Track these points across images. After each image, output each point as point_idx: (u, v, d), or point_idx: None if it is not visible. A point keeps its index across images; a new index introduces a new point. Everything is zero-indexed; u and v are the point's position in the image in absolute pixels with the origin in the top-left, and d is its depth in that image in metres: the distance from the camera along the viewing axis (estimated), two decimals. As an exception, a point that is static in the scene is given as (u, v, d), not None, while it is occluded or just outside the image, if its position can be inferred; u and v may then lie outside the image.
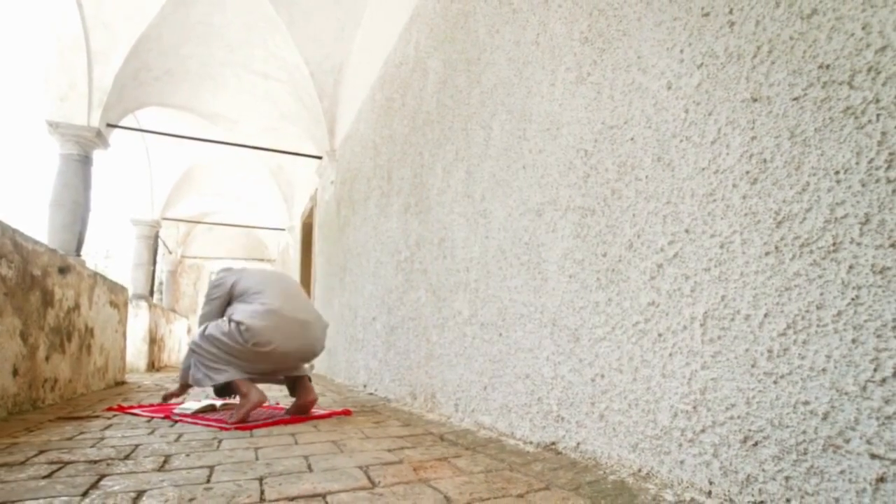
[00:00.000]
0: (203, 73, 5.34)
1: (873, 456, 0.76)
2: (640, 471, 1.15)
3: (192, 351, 2.36)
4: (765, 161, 0.95)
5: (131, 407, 2.75)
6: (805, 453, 0.84)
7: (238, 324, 2.23)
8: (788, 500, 0.85)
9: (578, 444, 1.37)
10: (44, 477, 1.27)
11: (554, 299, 1.52)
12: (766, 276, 0.93)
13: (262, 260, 12.92)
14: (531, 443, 1.57)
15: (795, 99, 0.91)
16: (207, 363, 2.29)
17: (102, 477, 1.27)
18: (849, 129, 0.83)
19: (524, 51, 1.79)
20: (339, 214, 4.89)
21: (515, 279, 1.74)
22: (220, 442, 1.75)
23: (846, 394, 0.80)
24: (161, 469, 1.36)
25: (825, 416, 0.82)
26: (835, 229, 0.83)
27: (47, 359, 3.06)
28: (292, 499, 1.07)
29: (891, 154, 0.77)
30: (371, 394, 3.40)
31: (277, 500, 1.07)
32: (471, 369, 2.02)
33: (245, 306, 2.31)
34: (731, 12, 1.04)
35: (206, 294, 2.52)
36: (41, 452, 1.57)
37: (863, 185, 0.80)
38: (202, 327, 2.39)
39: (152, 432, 1.96)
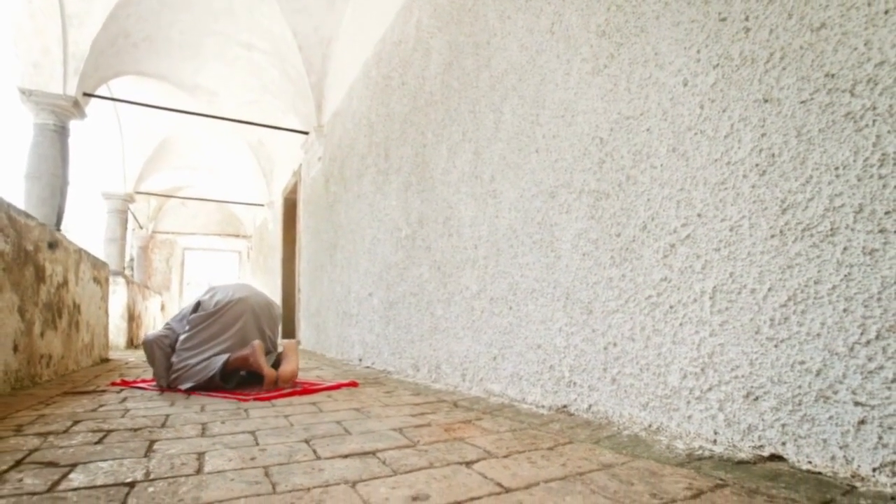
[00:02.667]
0: (184, 42, 5.16)
1: (857, 403, 0.92)
2: (650, 426, 1.31)
3: (175, 370, 2.43)
4: (773, 155, 1.09)
5: (134, 382, 2.78)
6: (800, 404, 1.00)
7: (194, 308, 2.56)
8: (784, 444, 1.02)
9: (590, 405, 1.53)
10: (95, 443, 1.34)
11: (567, 275, 1.65)
12: (770, 255, 1.08)
13: (236, 236, 12.70)
14: (543, 406, 1.72)
15: (803, 102, 1.04)
16: (195, 366, 2.37)
17: (153, 442, 1.35)
18: (848, 132, 0.96)
19: (538, 39, 1.87)
20: (329, 191, 4.89)
21: (527, 256, 1.86)
22: (246, 411, 1.84)
23: (836, 354, 0.96)
24: (203, 435, 1.44)
25: (818, 373, 0.98)
26: (832, 216, 0.98)
27: (42, 335, 3.05)
28: (345, 456, 1.18)
29: (883, 154, 0.92)
30: (368, 367, 3.52)
31: (332, 457, 1.17)
32: (479, 341, 2.15)
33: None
34: (746, 19, 1.15)
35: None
36: (76, 423, 1.62)
37: (858, 180, 0.95)
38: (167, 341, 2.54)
39: (172, 404, 2.03)
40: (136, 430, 1.51)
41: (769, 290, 1.07)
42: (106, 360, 4.75)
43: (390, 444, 1.29)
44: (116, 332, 6.61)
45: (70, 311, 3.70)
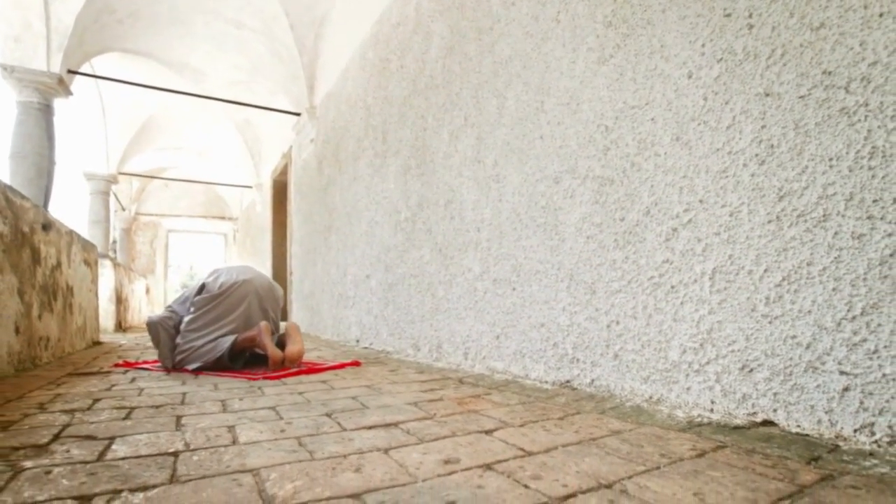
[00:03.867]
0: (171, 19, 5.03)
1: (842, 373, 1.02)
2: (651, 398, 1.42)
3: (180, 352, 2.47)
4: (772, 146, 1.17)
5: (137, 363, 2.81)
6: (790, 374, 1.10)
7: (200, 290, 2.58)
8: (775, 410, 1.13)
9: (593, 380, 1.63)
10: (123, 419, 1.39)
11: (571, 257, 1.73)
12: (767, 239, 1.16)
13: (222, 218, 12.53)
14: (547, 382, 1.82)
15: (801, 97, 1.12)
16: (201, 348, 2.41)
17: (179, 417, 1.41)
18: (842, 126, 1.05)
19: (543, 27, 1.91)
20: (322, 173, 4.88)
21: (531, 239, 1.94)
22: (260, 389, 1.90)
23: (825, 328, 1.05)
24: (226, 411, 1.50)
25: (808, 346, 1.08)
26: (825, 204, 1.07)
27: (40, 317, 3.04)
28: (370, 427, 1.26)
29: (873, 147, 1.00)
30: (366, 348, 3.59)
31: (357, 429, 1.25)
32: (482, 321, 2.23)
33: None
34: (750, 16, 1.22)
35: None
36: (96, 401, 1.66)
37: (850, 171, 1.04)
38: (175, 323, 2.59)
39: (184, 383, 2.08)
40: (157, 407, 1.57)
41: (765, 271, 1.16)
42: (98, 343, 4.73)
43: (409, 416, 1.37)
44: (105, 315, 6.54)
45: (64, 294, 3.69)
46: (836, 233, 1.05)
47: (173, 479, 0.88)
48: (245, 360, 2.59)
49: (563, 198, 1.78)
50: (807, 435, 1.06)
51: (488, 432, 1.17)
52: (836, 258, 1.05)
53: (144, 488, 0.83)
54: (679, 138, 1.38)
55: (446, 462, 0.95)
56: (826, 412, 1.04)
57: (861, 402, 1.00)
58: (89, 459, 1.00)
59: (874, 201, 1.00)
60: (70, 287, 3.87)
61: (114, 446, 1.10)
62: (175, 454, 1.03)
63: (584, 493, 0.78)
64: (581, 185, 1.71)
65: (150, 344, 4.61)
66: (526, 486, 0.81)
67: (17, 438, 1.16)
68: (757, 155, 1.20)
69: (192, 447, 1.08)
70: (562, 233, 1.79)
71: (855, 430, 1.00)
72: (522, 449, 1.02)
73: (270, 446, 1.09)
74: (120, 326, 6.97)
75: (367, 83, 3.74)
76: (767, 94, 1.18)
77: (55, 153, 4.52)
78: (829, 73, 1.07)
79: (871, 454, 0.93)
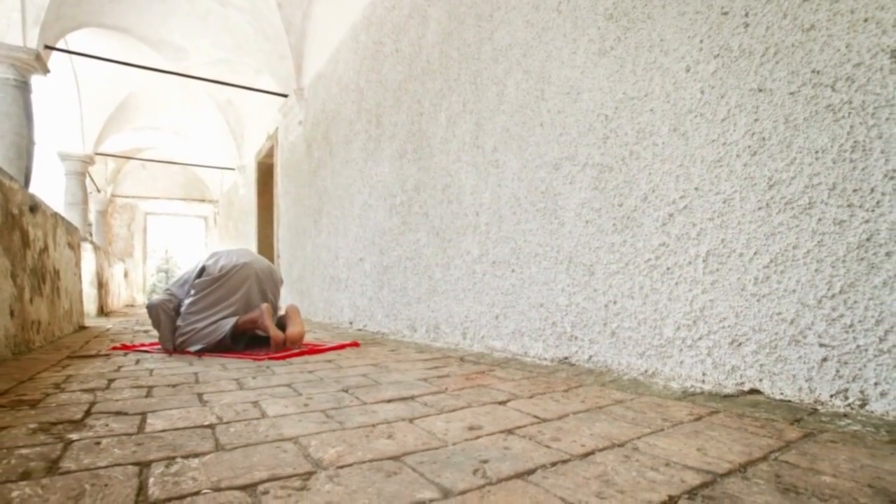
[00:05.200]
0: (151, -6, 4.87)
1: (821, 345, 1.14)
2: (647, 371, 1.53)
3: (181, 334, 2.50)
4: (763, 139, 1.26)
5: (135, 346, 2.82)
6: (775, 347, 1.22)
7: (200, 273, 2.59)
8: (761, 380, 1.25)
9: (591, 356, 1.73)
10: (145, 397, 1.43)
11: (570, 241, 1.82)
12: (757, 224, 1.27)
13: (202, 200, 12.28)
14: (546, 359, 1.92)
15: (791, 93, 1.21)
16: (203, 330, 2.44)
17: (200, 395, 1.46)
18: (828, 121, 1.14)
19: (544, 16, 1.96)
20: (311, 156, 4.86)
21: (530, 223, 2.02)
22: (268, 368, 1.95)
23: (807, 305, 1.17)
24: (243, 389, 1.56)
25: (791, 321, 1.19)
26: (811, 192, 1.17)
27: (31, 301, 3.02)
28: (388, 401, 1.34)
29: (855, 142, 1.10)
30: (360, 329, 3.66)
31: (376, 402, 1.33)
32: (481, 302, 2.32)
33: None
34: (746, 15, 1.30)
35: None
36: (111, 381, 1.70)
37: (833, 163, 1.14)
38: (173, 306, 2.61)
39: (191, 364, 2.12)
40: (174, 385, 1.61)
41: (755, 253, 1.27)
42: (84, 328, 4.68)
43: (423, 391, 1.45)
44: (87, 299, 6.42)
45: (52, 278, 3.65)
46: (819, 219, 1.16)
47: (219, 447, 0.94)
48: (246, 342, 2.63)
49: (563, 183, 1.86)
50: (789, 401, 1.18)
51: (502, 403, 1.26)
52: (819, 242, 1.16)
53: (196, 455, 0.90)
54: (677, 129, 1.47)
55: (470, 428, 1.04)
56: (806, 380, 1.16)
57: (837, 371, 1.12)
58: (131, 432, 1.05)
59: (854, 191, 1.10)
60: (56, 271, 3.81)
61: (149, 420, 1.15)
62: (211, 426, 1.09)
63: (601, 451, 0.88)
64: (581, 171, 1.79)
65: (138, 328, 4.58)
66: (548, 447, 0.90)
67: (51, 415, 1.20)
68: (749, 146, 1.29)
69: (224, 420, 1.14)
70: (561, 217, 1.87)
71: (831, 396, 1.12)
72: (537, 417, 1.12)
73: (300, 418, 1.16)
74: (102, 311, 6.86)
75: (359, 66, 3.73)
76: (760, 90, 1.27)
77: (34, 132, 4.39)
78: (818, 72, 1.16)
79: (846, 415, 1.05)
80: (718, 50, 1.37)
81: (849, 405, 1.09)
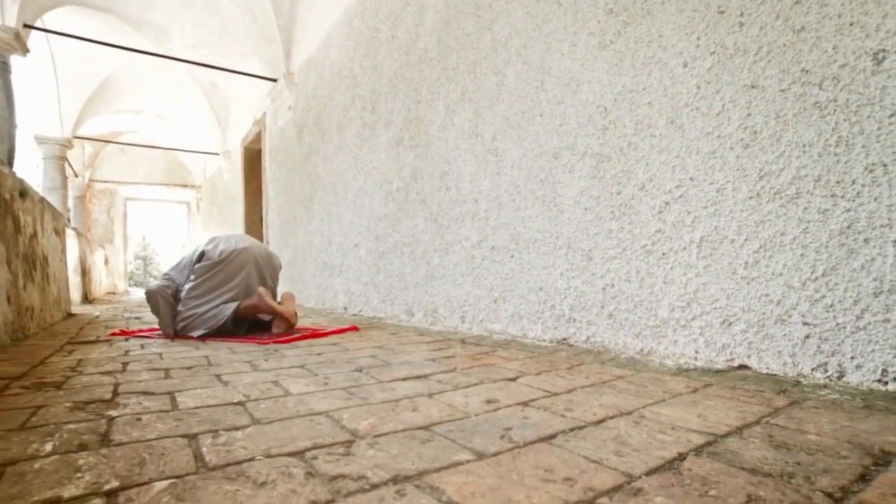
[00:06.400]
0: (134, -26, 4.74)
1: (804, 323, 1.25)
2: (642, 350, 1.63)
3: (182, 319, 2.52)
4: (755, 133, 1.35)
5: (134, 331, 2.84)
6: (763, 326, 1.33)
7: (199, 258, 2.62)
8: (749, 356, 1.35)
9: (588, 337, 1.83)
10: (164, 378, 1.48)
11: (569, 227, 1.91)
12: (748, 212, 1.36)
13: (184, 186, 12.05)
14: (545, 340, 2.02)
15: (782, 91, 1.30)
16: (204, 314, 2.48)
17: (219, 376, 1.51)
18: (815, 118, 1.24)
19: (544, 8, 2.02)
20: (302, 142, 4.84)
21: (530, 210, 2.09)
22: (277, 351, 2.01)
23: (792, 287, 1.27)
24: (258, 370, 1.62)
25: (778, 302, 1.30)
26: (798, 183, 1.27)
27: (24, 287, 3.00)
28: (404, 379, 1.41)
29: (839, 137, 1.20)
30: (355, 314, 3.72)
31: (392, 380, 1.40)
32: (479, 286, 2.40)
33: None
34: (741, 15, 1.38)
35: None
36: (125, 364, 1.74)
37: (819, 156, 1.23)
38: (172, 292, 2.63)
39: (197, 348, 2.16)
40: (189, 368, 1.66)
41: (745, 239, 1.37)
42: (72, 315, 4.63)
43: (434, 370, 1.53)
44: (71, 286, 6.32)
45: (41, 264, 3.61)
46: (805, 208, 1.26)
47: (255, 421, 1.01)
48: (247, 327, 2.67)
49: (563, 172, 1.94)
50: (775, 374, 1.29)
51: (512, 380, 1.34)
52: (804, 229, 1.26)
53: (236, 428, 0.96)
54: (673, 122, 1.55)
55: (488, 402, 1.12)
56: (790, 356, 1.27)
57: (818, 347, 1.23)
58: (166, 409, 1.11)
59: (837, 182, 1.20)
60: (45, 257, 3.77)
61: (178, 399, 1.20)
62: (241, 403, 1.15)
63: (612, 418, 0.97)
64: (580, 161, 1.87)
65: (128, 315, 4.56)
66: (563, 416, 0.99)
67: (80, 395, 1.25)
68: (742, 139, 1.38)
69: (252, 398, 1.20)
70: (560, 204, 1.95)
71: (812, 369, 1.23)
72: (547, 391, 1.20)
73: (324, 395, 1.22)
74: (86, 298, 6.76)
75: (353, 52, 3.73)
76: (753, 87, 1.36)
77: (15, 114, 4.28)
78: (807, 71, 1.25)
79: (825, 386, 1.17)
80: (714, 47, 1.45)
81: (828, 377, 1.20)
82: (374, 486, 0.68)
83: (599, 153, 1.79)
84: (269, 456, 0.80)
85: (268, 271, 2.77)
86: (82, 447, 0.85)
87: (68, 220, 10.15)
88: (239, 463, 0.77)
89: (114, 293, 10.46)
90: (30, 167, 8.44)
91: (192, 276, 2.58)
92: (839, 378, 1.18)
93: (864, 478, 0.67)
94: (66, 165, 8.91)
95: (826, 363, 1.21)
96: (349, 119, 3.81)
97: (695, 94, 1.49)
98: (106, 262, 10.73)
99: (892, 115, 1.11)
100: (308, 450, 0.83)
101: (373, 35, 3.42)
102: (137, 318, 4.04)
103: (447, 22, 2.63)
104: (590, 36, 1.82)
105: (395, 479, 0.70)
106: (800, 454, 0.75)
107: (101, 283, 9.57)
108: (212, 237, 2.78)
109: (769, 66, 1.32)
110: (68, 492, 0.67)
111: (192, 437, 0.90)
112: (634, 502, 0.61)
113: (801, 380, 1.23)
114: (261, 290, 2.57)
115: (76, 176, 10.17)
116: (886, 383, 1.11)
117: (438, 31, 2.71)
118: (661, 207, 1.59)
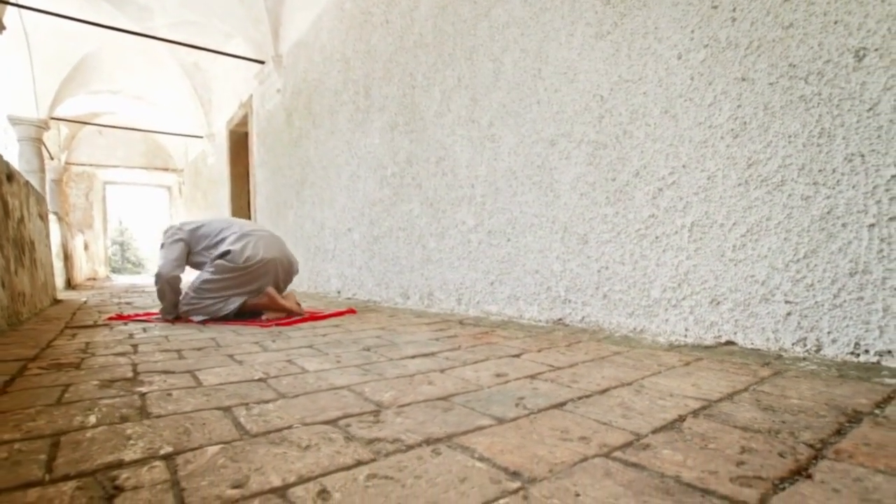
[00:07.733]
0: (114, -51, 4.58)
1: (786, 302, 1.35)
2: (636, 329, 1.73)
3: (187, 303, 2.55)
4: (745, 123, 1.44)
5: (129, 316, 2.85)
6: (748, 305, 1.43)
7: (223, 254, 2.57)
8: (736, 333, 1.46)
9: (583, 317, 1.93)
10: (179, 359, 1.52)
11: (566, 212, 1.98)
12: (736, 199, 1.46)
13: (165, 170, 11.80)
14: (541, 320, 2.11)
15: (770, 84, 1.38)
16: (211, 306, 2.50)
17: (231, 356, 1.56)
18: (801, 110, 1.32)
19: (542, -2, 2.06)
20: (292, 126, 4.81)
21: (526, 195, 2.16)
22: (282, 333, 2.06)
23: (776, 269, 1.37)
24: (267, 350, 1.67)
25: (763, 283, 1.40)
26: (783, 172, 1.36)
27: (16, 272, 2.98)
28: (412, 357, 1.48)
29: (822, 129, 1.29)
30: (349, 298, 3.77)
31: (402, 358, 1.47)
32: (476, 269, 2.47)
33: (219, 245, 2.64)
34: (734, 10, 1.45)
35: (164, 244, 2.72)
36: (135, 346, 1.77)
37: (804, 146, 1.32)
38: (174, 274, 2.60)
39: (201, 331, 2.19)
40: (200, 349, 1.70)
41: (734, 224, 1.46)
42: (59, 301, 4.58)
43: (440, 348, 1.60)
44: (55, 272, 6.22)
45: (29, 249, 3.57)
46: (789, 195, 1.35)
47: (281, 395, 1.07)
48: (245, 316, 2.70)
49: (559, 159, 2.01)
50: (759, 349, 1.39)
51: (516, 356, 1.43)
52: (788, 215, 1.35)
53: (266, 402, 1.02)
54: (667, 111, 1.63)
55: (498, 375, 1.20)
56: (773, 332, 1.38)
57: (798, 323, 1.33)
58: (192, 385, 1.16)
59: (819, 171, 1.29)
60: (32, 242, 3.73)
61: (200, 377, 1.25)
62: (262, 380, 1.21)
63: (615, 388, 1.05)
64: (576, 148, 1.94)
65: (118, 300, 4.53)
66: (569, 387, 1.07)
67: (102, 374, 1.29)
68: (732, 129, 1.46)
69: (272, 375, 1.26)
70: (556, 190, 2.02)
71: (792, 344, 1.34)
72: (551, 366, 1.29)
73: (340, 372, 1.29)
74: (70, 284, 6.65)
75: (345, 35, 3.71)
76: (744, 79, 1.43)
77: (-7, 96, 4.15)
78: (794, 65, 1.33)
79: (804, 359, 1.27)
80: (708, 40, 1.52)
81: (807, 351, 1.31)
82: (410, 447, 0.75)
83: (595, 140, 1.86)
84: (306, 424, 0.87)
85: (283, 277, 2.76)
86: (125, 419, 0.90)
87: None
88: (279, 430, 0.83)
89: (94, 279, 10.28)
90: (0, 148, 8.17)
91: (211, 269, 2.55)
92: (817, 351, 1.29)
93: (839, 432, 0.76)
94: (42, 148, 8.65)
95: (805, 338, 1.32)
96: (342, 103, 3.81)
97: (688, 85, 1.57)
98: (86, 247, 10.51)
99: (870, 108, 1.20)
100: (340, 419, 0.90)
101: (366, 18, 3.41)
102: (128, 303, 4.03)
103: (443, 7, 2.65)
104: (587, 26, 1.88)
105: (428, 441, 0.77)
106: (784, 414, 0.85)
107: (83, 269, 9.39)
108: (241, 231, 2.68)
109: (759, 60, 1.40)
110: (128, 456, 0.73)
111: (226, 410, 0.96)
112: (645, 454, 0.69)
113: (783, 353, 1.34)
114: (270, 290, 2.58)
115: (52, 158, 9.87)
116: (858, 355, 1.22)
117: (434, 17, 2.72)
118: (654, 193, 1.67)
